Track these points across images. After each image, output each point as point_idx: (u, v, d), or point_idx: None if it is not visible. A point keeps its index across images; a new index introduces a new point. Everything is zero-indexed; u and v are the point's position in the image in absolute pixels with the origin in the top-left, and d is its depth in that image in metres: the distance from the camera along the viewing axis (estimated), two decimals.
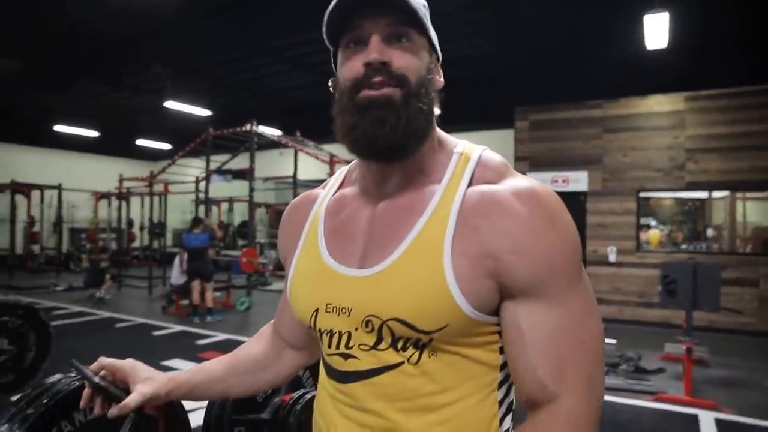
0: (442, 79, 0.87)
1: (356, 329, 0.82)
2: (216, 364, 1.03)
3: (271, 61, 9.72)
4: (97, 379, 0.88)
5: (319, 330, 0.87)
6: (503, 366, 0.83)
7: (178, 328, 7.62)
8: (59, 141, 14.93)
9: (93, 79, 10.88)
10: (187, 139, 12.21)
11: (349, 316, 0.81)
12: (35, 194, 14.23)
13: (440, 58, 0.89)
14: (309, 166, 11.28)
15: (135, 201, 14.87)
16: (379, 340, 0.80)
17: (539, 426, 0.74)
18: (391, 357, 0.80)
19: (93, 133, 14.32)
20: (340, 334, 0.83)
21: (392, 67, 0.79)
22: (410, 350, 0.80)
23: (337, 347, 0.84)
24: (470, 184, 0.82)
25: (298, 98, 11.80)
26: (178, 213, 16.56)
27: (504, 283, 0.76)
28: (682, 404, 4.45)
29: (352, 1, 0.78)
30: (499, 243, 0.75)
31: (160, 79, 10.46)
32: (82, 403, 0.89)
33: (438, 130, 0.89)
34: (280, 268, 12.53)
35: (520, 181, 0.80)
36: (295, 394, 1.56)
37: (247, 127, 9.27)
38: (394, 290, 0.78)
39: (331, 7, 0.80)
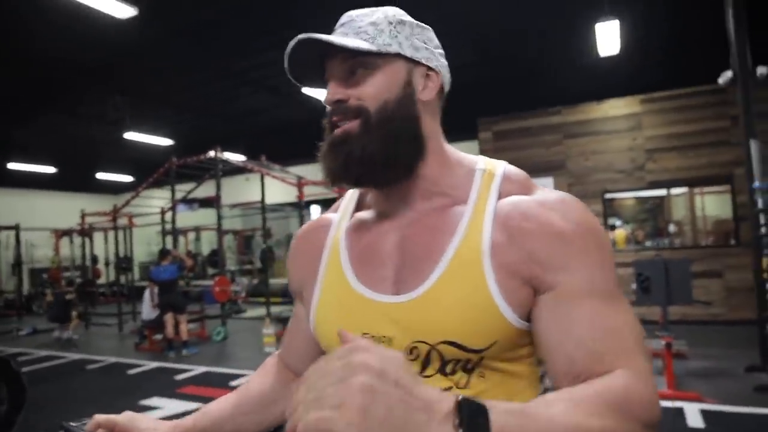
0: (432, 87, 0.85)
1: None
2: (221, 404, 1.00)
3: (232, 85, 9.68)
4: None
5: None
6: (541, 378, 0.82)
7: (153, 364, 7.39)
8: (15, 179, 14.45)
9: (49, 111, 10.63)
10: (150, 169, 11.97)
11: (390, 344, 0.79)
12: None
13: (434, 65, 0.85)
14: (276, 190, 11.21)
15: (98, 236, 14.44)
16: (425, 366, 0.79)
17: (619, 380, 0.68)
18: (438, 383, 0.78)
19: (50, 169, 13.94)
20: None
21: (347, 103, 0.80)
22: (459, 374, 0.78)
23: None
24: (498, 198, 0.82)
25: (262, 122, 11.77)
26: (144, 246, 16.17)
27: (541, 287, 0.75)
28: (666, 398, 4.53)
29: (298, 57, 0.81)
30: (535, 251, 0.75)
31: (119, 109, 10.27)
32: None
33: (450, 149, 0.89)
34: (254, 295, 12.35)
35: (548, 192, 0.82)
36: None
37: (212, 153, 9.15)
38: (439, 312, 0.76)
39: (286, 63, 0.81)
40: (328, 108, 0.82)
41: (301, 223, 11.63)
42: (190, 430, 0.94)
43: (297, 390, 0.53)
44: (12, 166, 13.25)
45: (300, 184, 8.90)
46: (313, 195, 9.58)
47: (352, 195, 0.98)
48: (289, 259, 1.02)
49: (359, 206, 0.96)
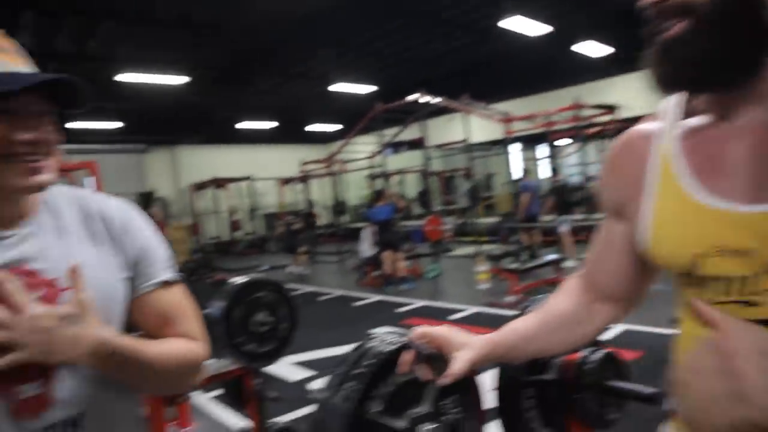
0: None
1: (761, 272, 0.72)
2: (527, 322, 1.01)
3: (429, 27, 9.58)
4: (426, 348, 0.94)
5: (706, 276, 0.78)
6: None
7: (375, 297, 7.96)
8: (244, 136, 16.47)
9: (266, 74, 11.72)
10: (355, 117, 12.69)
11: (750, 257, 0.72)
12: (231, 187, 15.92)
13: None
14: (479, 129, 11.02)
15: (314, 183, 15.92)
16: None
17: None
18: None
19: (272, 124, 15.54)
20: (740, 279, 0.75)
21: (668, 1, 0.72)
22: None
23: (738, 294, 0.75)
24: None
25: (461, 61, 11.56)
26: (355, 190, 17.37)
27: None
28: None
29: None
30: None
31: (325, 64, 10.91)
32: (402, 368, 0.94)
33: None
34: (459, 234, 12.55)
35: None
36: (583, 353, 1.42)
37: (414, 96, 9.28)
38: None
39: None
40: (648, 9, 0.74)
41: (507, 161, 11.35)
42: (500, 344, 0.97)
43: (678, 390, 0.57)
44: (240, 125, 15.07)
45: (505, 120, 8.60)
46: (518, 131, 9.21)
47: (677, 101, 0.86)
48: (605, 172, 0.96)
49: (688, 113, 0.85)
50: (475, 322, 5.93)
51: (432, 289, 8.17)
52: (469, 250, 10.97)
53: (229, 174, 15.63)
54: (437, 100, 10.04)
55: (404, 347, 0.97)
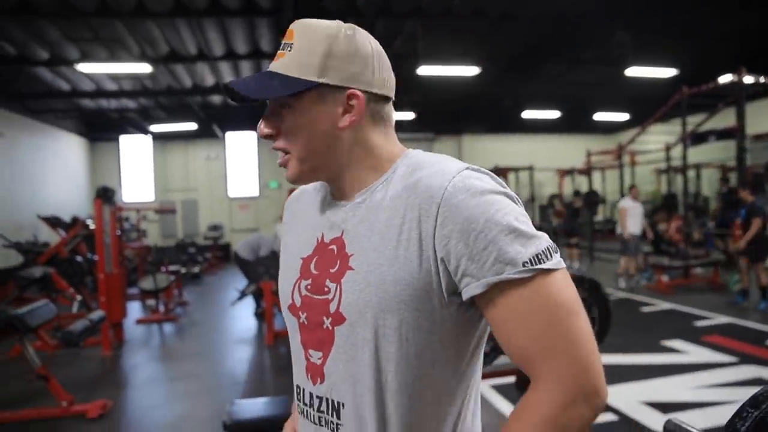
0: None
1: None
2: None
3: None
4: None
5: None
6: None
7: (665, 305, 7.18)
8: (528, 125, 16.38)
9: (553, 62, 11.40)
10: (646, 105, 11.48)
11: None
12: (511, 176, 16.04)
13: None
14: None
15: (597, 176, 15.01)
16: None
17: None
18: None
19: (555, 114, 15.12)
20: None
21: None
22: None
23: None
24: None
25: None
26: (640, 186, 15.86)
27: None
28: None
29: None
30: None
31: (622, 46, 10.07)
32: None
33: None
34: None
35: None
36: None
37: (731, 77, 7.95)
38: None
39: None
40: None
41: None
42: None
43: None
44: (525, 114, 15.01)
45: None
46: None
47: None
48: None
49: None
50: None
51: (737, 304, 6.98)
52: None
53: (510, 163, 15.78)
54: (762, 79, 8.40)
55: None
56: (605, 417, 3.63)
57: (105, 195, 6.45)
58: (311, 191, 0.96)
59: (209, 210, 16.37)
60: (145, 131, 15.08)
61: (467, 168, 0.77)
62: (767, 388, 0.85)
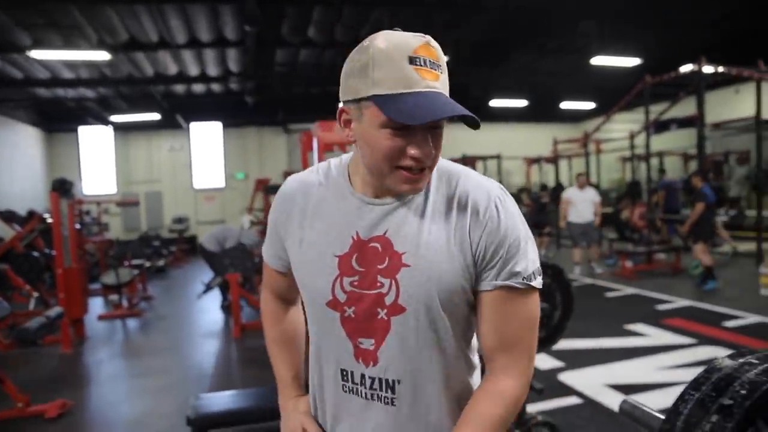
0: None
1: None
2: None
3: None
4: None
5: None
6: None
7: (630, 290, 7.34)
8: (495, 114, 16.47)
9: (521, 51, 11.46)
10: (612, 95, 11.65)
11: None
12: (479, 165, 16.11)
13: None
14: None
15: (563, 164, 15.22)
16: None
17: None
18: None
19: (522, 103, 15.24)
20: None
21: None
22: None
23: None
24: None
25: (749, 20, 9.73)
26: (606, 173, 16.18)
27: None
28: None
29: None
30: None
31: (586, 35, 10.18)
32: None
33: None
34: (732, 228, 10.78)
35: None
36: None
37: (692, 67, 8.12)
38: None
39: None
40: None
41: None
42: None
43: None
44: (493, 103, 15.07)
45: None
46: None
47: None
48: None
49: None
50: (756, 335, 5.03)
51: (697, 288, 7.19)
52: (746, 247, 9.35)
53: (479, 152, 15.86)
54: (720, 69, 8.61)
55: None
56: (570, 400, 3.68)
57: (62, 187, 6.22)
58: (307, 188, 1.03)
59: (174, 202, 16.03)
60: (106, 122, 14.62)
61: (500, 188, 0.97)
62: (708, 370, 0.86)
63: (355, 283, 0.95)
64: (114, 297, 7.77)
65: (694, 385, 0.87)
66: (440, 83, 0.87)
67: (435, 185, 0.96)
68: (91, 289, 8.23)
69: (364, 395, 1.00)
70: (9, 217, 9.24)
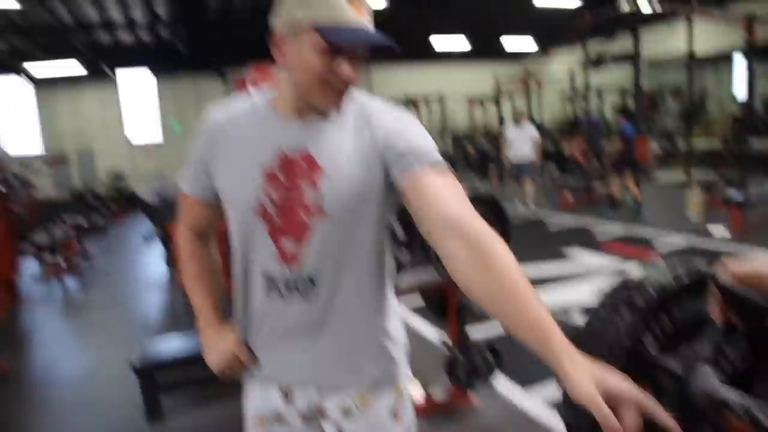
0: None
1: None
2: None
3: None
4: (743, 291, 0.76)
5: None
6: None
7: (572, 221, 7.60)
8: (438, 55, 16.29)
9: None
10: (553, 32, 11.71)
11: None
12: (422, 106, 16.03)
13: None
14: (708, 38, 9.43)
15: (506, 104, 15.31)
16: None
17: None
18: None
19: (465, 43, 15.10)
20: None
21: None
22: None
23: None
24: None
25: None
26: (548, 112, 16.41)
27: None
28: None
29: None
30: None
31: None
32: (716, 316, 0.82)
33: None
34: (666, 160, 11.24)
35: None
36: None
37: (630, 2, 8.18)
38: None
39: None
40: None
41: (730, 78, 9.63)
42: None
43: None
44: (435, 42, 14.86)
45: (750, 25, 7.12)
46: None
47: None
48: None
49: None
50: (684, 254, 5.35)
51: (633, 214, 7.51)
52: (677, 177, 9.81)
53: (422, 92, 15.75)
54: (656, 5, 8.73)
55: (699, 283, 0.86)
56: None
57: None
58: (231, 119, 1.12)
59: (108, 158, 15.29)
60: (22, 73, 13.56)
61: (397, 106, 1.11)
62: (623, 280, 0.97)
63: (280, 191, 1.05)
64: (50, 258, 7.42)
65: (616, 288, 0.97)
66: (367, 20, 1.00)
67: (350, 110, 1.09)
68: (25, 250, 7.81)
69: (286, 297, 1.09)
70: None
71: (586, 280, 4.77)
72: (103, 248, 9.00)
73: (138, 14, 10.88)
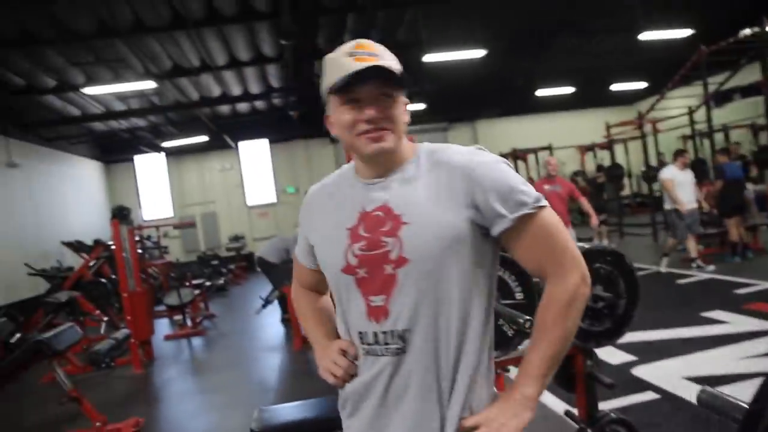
0: None
1: None
2: None
3: None
4: None
5: None
6: None
7: (704, 275, 6.89)
8: (542, 104, 16.03)
9: (563, 35, 11.09)
10: (665, 71, 11.07)
11: None
12: (531, 158, 15.71)
13: None
14: None
15: (619, 149, 14.62)
16: None
17: None
18: None
19: (570, 90, 14.75)
20: None
21: None
22: None
23: None
24: None
25: None
26: (666, 154, 15.42)
27: None
28: None
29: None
30: None
31: (631, 11, 9.74)
32: None
33: None
34: None
35: None
36: None
37: (752, 30, 7.59)
38: None
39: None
40: None
41: None
42: None
43: None
44: (539, 92, 14.65)
45: None
46: None
47: None
48: None
49: None
50: None
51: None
52: None
53: (528, 144, 15.47)
54: None
55: None
56: (646, 396, 3.44)
57: (121, 214, 6.46)
58: (324, 189, 1.21)
59: (229, 221, 16.42)
60: (158, 148, 15.16)
61: (477, 147, 1.12)
62: None
63: (364, 247, 1.07)
64: (178, 317, 7.97)
65: None
66: (376, 60, 1.03)
67: (422, 158, 1.11)
68: (156, 311, 8.47)
69: (378, 352, 1.08)
70: (78, 247, 9.68)
71: (728, 345, 4.22)
72: (224, 308, 9.54)
73: (253, 86, 11.85)
